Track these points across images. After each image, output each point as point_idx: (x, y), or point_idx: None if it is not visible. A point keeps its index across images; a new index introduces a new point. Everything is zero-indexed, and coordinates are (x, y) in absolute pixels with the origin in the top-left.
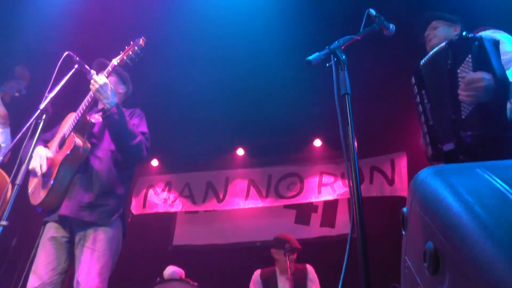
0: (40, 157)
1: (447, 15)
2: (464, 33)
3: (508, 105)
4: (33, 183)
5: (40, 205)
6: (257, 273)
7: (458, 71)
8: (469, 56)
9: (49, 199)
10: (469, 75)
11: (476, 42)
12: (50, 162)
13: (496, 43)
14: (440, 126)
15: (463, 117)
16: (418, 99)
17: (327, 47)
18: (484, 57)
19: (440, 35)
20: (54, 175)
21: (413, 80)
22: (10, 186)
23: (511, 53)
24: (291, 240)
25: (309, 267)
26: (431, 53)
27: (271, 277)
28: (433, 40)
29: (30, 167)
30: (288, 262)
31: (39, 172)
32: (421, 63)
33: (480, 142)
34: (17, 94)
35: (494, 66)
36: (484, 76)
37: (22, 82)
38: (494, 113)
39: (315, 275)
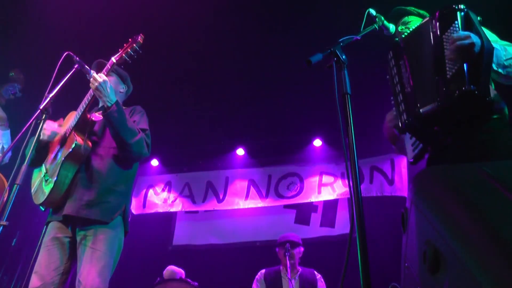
0: (48, 124)
1: (418, 10)
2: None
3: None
4: (35, 182)
5: (43, 204)
6: (261, 272)
7: (444, 36)
8: (456, 22)
9: (51, 198)
10: (457, 33)
11: (462, 13)
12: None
13: (480, 20)
14: (421, 91)
15: (448, 76)
16: (394, 71)
17: (327, 47)
18: (470, 24)
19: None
20: (56, 174)
21: (390, 54)
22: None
23: (494, 39)
24: (291, 235)
25: (318, 275)
26: (413, 27)
27: (276, 277)
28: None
29: (44, 136)
30: (288, 261)
31: (60, 132)
32: (402, 37)
33: (463, 101)
34: (12, 97)
35: (479, 31)
36: (471, 34)
37: (17, 85)
38: (480, 72)
39: (324, 285)
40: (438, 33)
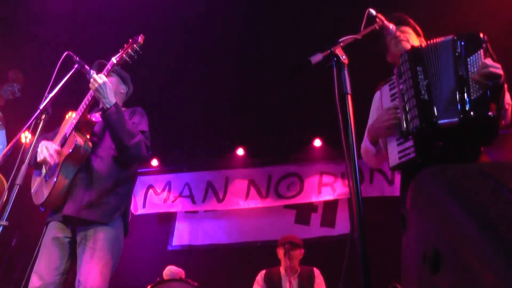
0: (47, 148)
1: (415, 27)
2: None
3: None
4: (36, 183)
5: (43, 205)
6: (261, 273)
7: (468, 59)
8: (481, 50)
9: (52, 199)
10: (487, 61)
11: (485, 44)
12: (57, 154)
13: None
14: (440, 102)
15: (472, 97)
16: (408, 74)
17: (327, 47)
18: (491, 55)
19: (411, 42)
20: (56, 174)
21: (406, 55)
22: (6, 186)
23: None
24: (292, 237)
25: (316, 271)
26: (435, 40)
27: (276, 278)
28: (403, 42)
29: (39, 159)
30: (288, 261)
31: (50, 162)
32: (423, 46)
33: (485, 125)
34: (11, 97)
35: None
36: (500, 66)
37: (16, 85)
38: (499, 102)
39: (323, 280)
40: (463, 55)
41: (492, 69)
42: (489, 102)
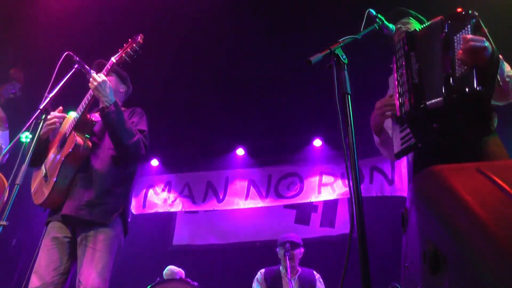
0: (49, 119)
1: (418, 15)
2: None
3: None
4: (35, 183)
5: (43, 205)
6: (261, 271)
7: (455, 37)
8: (468, 26)
9: (51, 198)
10: (468, 36)
11: (474, 19)
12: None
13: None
14: (429, 84)
15: (457, 74)
16: (403, 60)
17: (327, 47)
18: (480, 30)
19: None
20: (56, 174)
21: (401, 41)
22: (7, 185)
23: None
24: (292, 236)
25: (317, 275)
26: (425, 24)
27: (276, 277)
28: (403, 32)
29: (44, 130)
30: (288, 261)
31: (56, 122)
32: (417, 30)
33: (468, 101)
34: (12, 96)
35: (490, 39)
36: (484, 39)
37: (17, 84)
38: (488, 76)
39: (323, 286)
40: (450, 32)
41: (472, 43)
42: (474, 77)
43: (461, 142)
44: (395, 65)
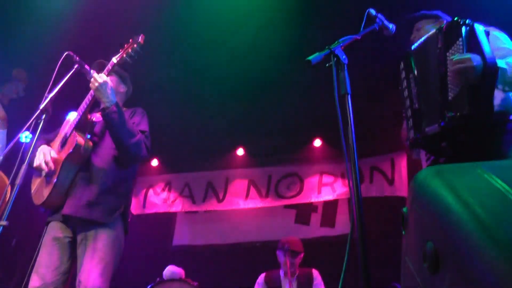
0: (44, 155)
1: (428, 14)
2: (456, 18)
3: (497, 92)
4: (36, 183)
5: (43, 205)
6: (262, 276)
7: (448, 54)
8: (460, 39)
9: (52, 199)
10: (458, 55)
11: (467, 27)
12: (54, 161)
13: (486, 32)
14: (427, 109)
15: (449, 98)
16: (405, 84)
17: (327, 47)
18: (474, 41)
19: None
20: (56, 174)
21: (401, 65)
22: (9, 187)
23: (505, 49)
24: (293, 242)
25: (315, 272)
26: (422, 39)
27: (276, 281)
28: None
29: (35, 165)
30: (288, 264)
31: (45, 169)
32: (412, 49)
33: (465, 124)
34: (15, 96)
35: (483, 50)
36: (473, 57)
37: (20, 84)
38: (481, 96)
39: (321, 281)
40: (443, 50)
41: (457, 66)
42: (466, 99)
43: (481, 147)
44: (401, 89)
